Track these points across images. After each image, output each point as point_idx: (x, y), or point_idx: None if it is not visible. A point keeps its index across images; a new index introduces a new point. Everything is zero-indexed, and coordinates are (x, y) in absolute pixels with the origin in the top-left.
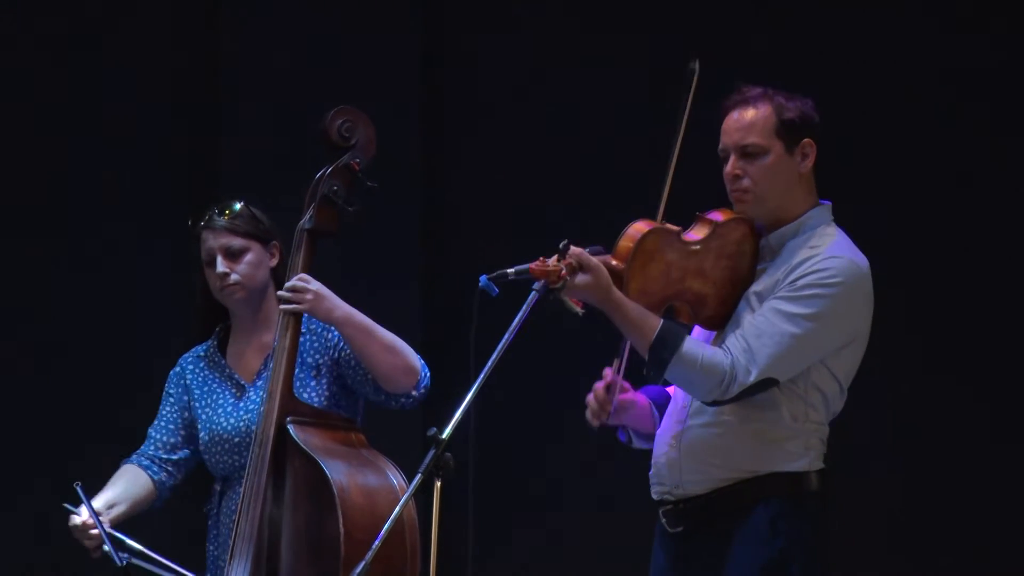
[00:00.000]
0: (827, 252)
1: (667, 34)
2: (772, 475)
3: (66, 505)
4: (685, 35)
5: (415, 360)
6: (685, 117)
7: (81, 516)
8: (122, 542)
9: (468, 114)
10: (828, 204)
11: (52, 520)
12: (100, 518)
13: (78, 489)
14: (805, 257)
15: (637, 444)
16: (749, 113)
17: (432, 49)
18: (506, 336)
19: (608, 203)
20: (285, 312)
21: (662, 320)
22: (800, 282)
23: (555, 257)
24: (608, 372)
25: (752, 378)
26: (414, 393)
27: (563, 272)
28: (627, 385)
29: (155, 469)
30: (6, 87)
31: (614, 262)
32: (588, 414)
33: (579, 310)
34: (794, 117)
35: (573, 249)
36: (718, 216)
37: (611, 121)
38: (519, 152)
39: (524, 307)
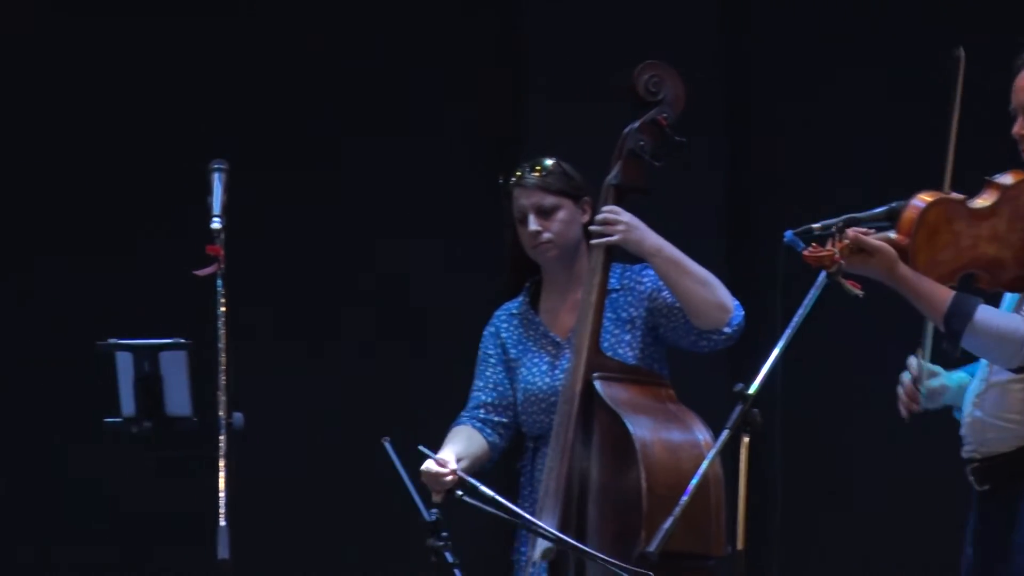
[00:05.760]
0: None
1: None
2: None
3: (422, 448)
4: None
5: (727, 297)
6: (957, 107)
7: (436, 464)
8: (475, 488)
9: (776, 72)
10: None
11: None
12: (450, 467)
13: (423, 449)
14: None
15: (957, 416)
16: None
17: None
18: (805, 302)
19: (915, 167)
20: (595, 247)
21: (953, 292)
22: None
23: (829, 241)
24: (912, 361)
25: None
26: (726, 330)
27: (836, 256)
28: (937, 370)
29: (488, 431)
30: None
31: (897, 237)
32: (900, 405)
33: (858, 292)
34: None
35: (850, 231)
36: (1008, 178)
37: (915, 85)
38: (824, 110)
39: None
